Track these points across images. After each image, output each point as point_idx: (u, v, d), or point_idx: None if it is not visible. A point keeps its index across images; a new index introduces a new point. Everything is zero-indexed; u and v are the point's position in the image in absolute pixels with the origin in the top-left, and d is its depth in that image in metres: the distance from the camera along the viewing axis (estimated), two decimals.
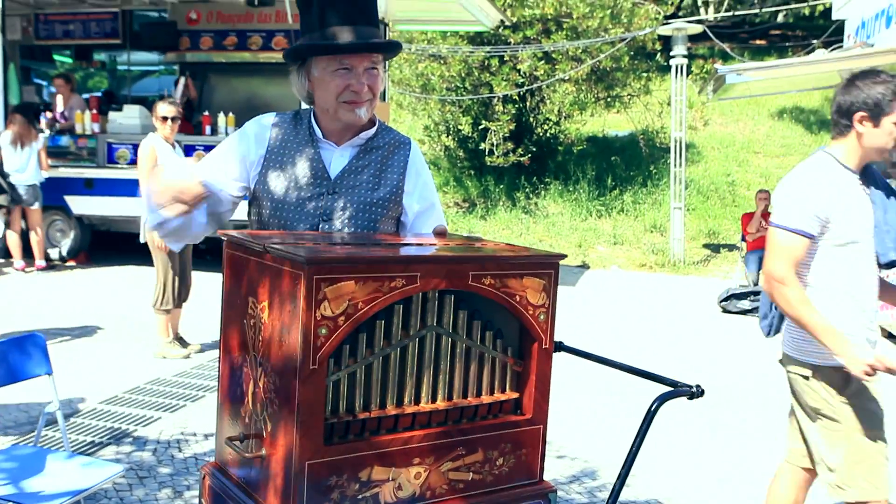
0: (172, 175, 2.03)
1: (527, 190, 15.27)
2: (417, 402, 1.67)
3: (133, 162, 9.39)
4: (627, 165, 16.15)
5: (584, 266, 12.21)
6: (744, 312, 9.05)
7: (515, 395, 1.81)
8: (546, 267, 1.79)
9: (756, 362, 6.95)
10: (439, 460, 1.69)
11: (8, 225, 9.08)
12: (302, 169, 2.06)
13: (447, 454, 1.69)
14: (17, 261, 9.11)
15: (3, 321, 6.47)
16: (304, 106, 2.17)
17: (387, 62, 12.08)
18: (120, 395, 5.00)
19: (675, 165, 12.48)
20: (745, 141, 17.60)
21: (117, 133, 9.73)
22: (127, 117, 9.77)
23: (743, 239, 10.59)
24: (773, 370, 6.65)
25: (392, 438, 1.63)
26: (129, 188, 8.95)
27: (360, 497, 1.60)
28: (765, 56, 20.34)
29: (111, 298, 7.82)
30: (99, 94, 11.88)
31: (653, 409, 1.98)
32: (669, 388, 2.05)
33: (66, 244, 9.83)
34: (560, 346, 2.39)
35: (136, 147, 9.32)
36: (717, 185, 15.59)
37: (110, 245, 10.21)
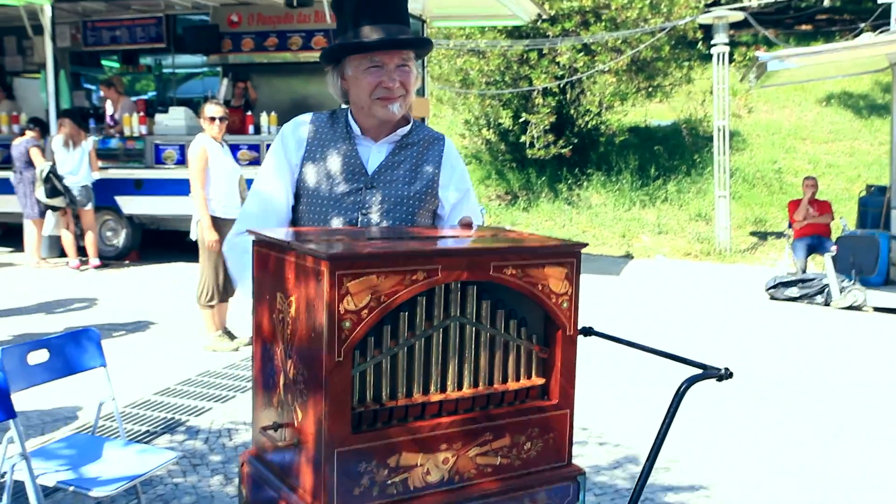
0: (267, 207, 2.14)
1: (569, 181, 15.24)
2: (444, 390, 1.71)
3: (180, 162, 9.63)
4: (671, 155, 16.01)
5: (629, 256, 12.16)
6: (792, 300, 8.96)
7: (542, 381, 1.84)
8: (568, 256, 1.81)
9: (804, 350, 6.88)
10: (467, 445, 1.72)
11: (65, 226, 9.37)
12: (340, 165, 2.12)
13: (475, 440, 1.73)
14: (73, 260, 9.39)
15: (61, 318, 6.70)
16: (343, 106, 2.23)
17: (424, 59, 12.15)
18: (172, 386, 5.16)
19: (719, 154, 12.36)
20: (791, 127, 17.31)
21: (164, 134, 9.97)
22: (173, 119, 10.01)
23: (790, 226, 10.46)
24: (821, 357, 6.60)
25: (419, 425, 1.67)
26: (176, 187, 9.17)
27: (389, 482, 1.64)
28: (811, 41, 19.95)
29: (163, 295, 8.03)
30: (146, 97, 12.18)
31: (681, 390, 1.99)
32: (699, 371, 2.08)
33: (117, 243, 10.10)
34: (590, 332, 2.44)
35: (182, 148, 9.59)
36: (764, 173, 15.38)
37: (160, 243, 10.45)
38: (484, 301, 1.73)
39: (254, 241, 1.85)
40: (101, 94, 11.43)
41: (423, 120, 11.19)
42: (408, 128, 2.18)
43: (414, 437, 1.66)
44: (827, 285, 8.79)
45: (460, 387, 1.73)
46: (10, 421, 2.54)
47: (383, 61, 2.06)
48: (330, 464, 1.58)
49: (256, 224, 2.09)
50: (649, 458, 2.01)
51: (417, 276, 1.61)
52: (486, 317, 1.74)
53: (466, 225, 2.07)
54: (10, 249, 9.91)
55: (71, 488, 2.69)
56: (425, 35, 12.24)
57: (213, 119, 6.08)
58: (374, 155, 2.15)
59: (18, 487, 2.79)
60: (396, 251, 1.66)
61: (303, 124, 2.19)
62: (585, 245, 1.88)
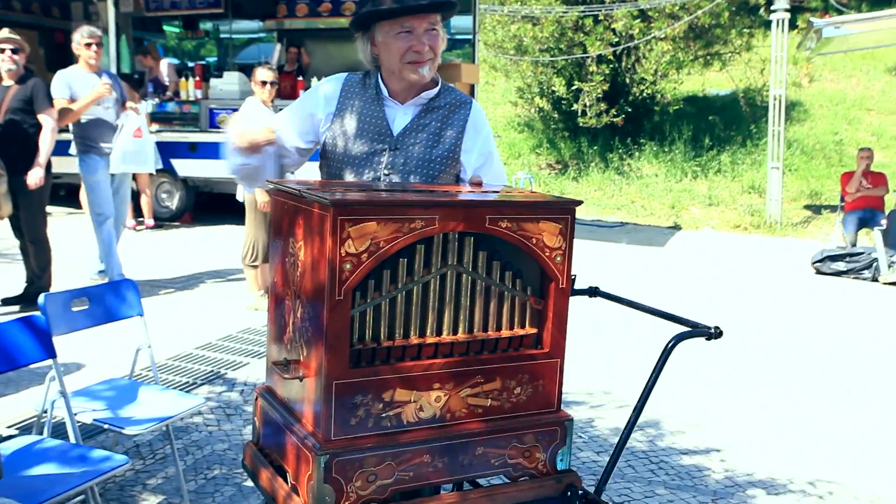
0: (248, 123, 2.27)
1: (620, 151, 15.13)
2: (440, 333, 1.83)
3: None
4: (727, 125, 15.74)
5: (676, 227, 12.09)
6: (838, 274, 8.84)
7: (534, 331, 1.94)
8: (562, 212, 1.90)
9: (844, 324, 6.84)
10: (458, 386, 1.85)
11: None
12: (367, 125, 2.22)
13: (466, 381, 1.85)
14: (129, 220, 9.72)
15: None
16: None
17: (477, 25, 12.15)
18: (214, 342, 5.38)
19: (774, 124, 12.15)
20: (857, 97, 16.82)
21: (218, 98, 10.21)
22: (227, 83, 10.23)
23: (842, 199, 10.27)
24: (860, 331, 6.55)
25: (413, 364, 1.80)
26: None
27: (383, 416, 1.78)
28: (885, 6, 19.28)
29: (212, 255, 8.29)
30: (203, 62, 12.45)
31: (669, 346, 2.11)
32: (688, 329, 2.17)
33: (171, 205, 10.44)
34: (595, 292, 2.54)
35: (235, 112, 9.84)
36: (824, 144, 15.03)
37: (213, 206, 10.76)
38: (481, 252, 1.84)
39: (270, 190, 1.99)
40: (141, 64, 11.70)
41: (472, 86, 11.22)
42: (435, 91, 2.27)
43: (408, 376, 1.79)
44: (875, 259, 8.65)
45: (455, 332, 1.85)
46: (51, 361, 2.73)
47: (413, 26, 2.15)
48: (328, 395, 1.72)
49: (245, 123, 2.31)
50: (634, 411, 2.13)
51: (415, 225, 1.73)
52: (483, 267, 1.85)
53: (476, 183, 2.19)
54: (72, 210, 10.29)
55: (106, 426, 2.88)
56: (478, 1, 12.25)
57: (263, 83, 6.24)
58: (399, 117, 2.24)
59: (60, 427, 3.01)
60: (396, 200, 1.79)
61: (336, 82, 2.29)
62: (580, 203, 1.96)
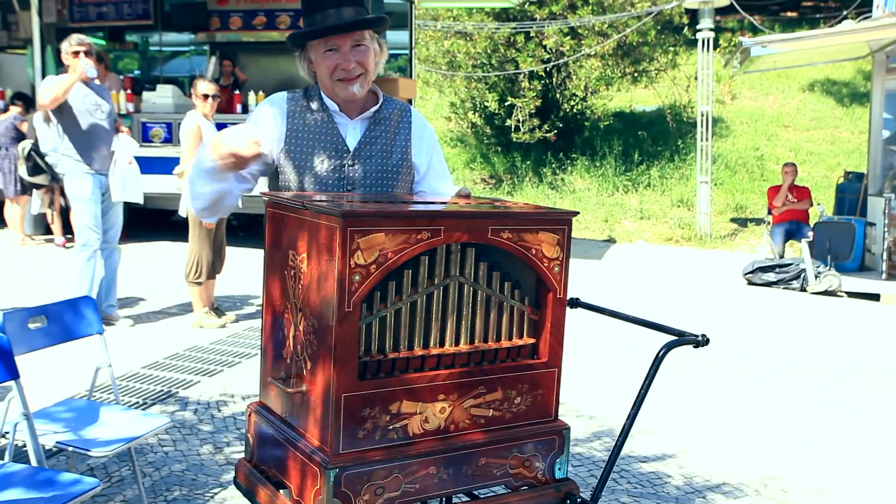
0: (230, 136, 2.12)
1: (553, 166, 15.37)
2: (442, 344, 1.84)
3: (167, 140, 9.65)
4: (655, 140, 16.17)
5: (611, 240, 12.33)
6: (768, 284, 9.15)
7: (532, 341, 1.96)
8: (560, 223, 1.93)
9: (777, 331, 7.08)
10: (462, 397, 1.85)
11: (50, 203, 9.36)
12: (322, 142, 2.22)
13: (469, 392, 1.86)
14: (59, 237, 9.41)
15: (49, 294, 6.74)
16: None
17: (412, 40, 12.20)
18: (161, 360, 5.25)
19: (702, 140, 12.53)
20: (774, 114, 17.51)
21: (151, 112, 9.98)
22: (161, 97, 10.01)
23: (769, 212, 10.66)
24: (793, 338, 6.80)
25: (419, 376, 1.80)
26: (163, 166, 9.17)
27: (390, 427, 1.77)
28: (796, 28, 20.13)
29: (149, 272, 8.10)
30: (132, 74, 12.15)
31: (660, 355, 2.14)
32: (676, 337, 2.22)
33: None
34: (576, 303, 2.57)
35: (169, 125, 9.62)
36: (746, 160, 15.59)
37: (145, 221, 10.49)
38: (481, 263, 1.86)
39: (267, 202, 1.96)
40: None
41: (410, 101, 11.25)
42: (378, 104, 2.30)
43: (414, 388, 1.79)
44: (803, 270, 8.99)
45: (457, 342, 1.86)
46: (13, 382, 2.62)
47: (337, 44, 2.17)
48: (337, 408, 1.70)
49: (228, 136, 2.10)
50: (628, 419, 2.15)
51: (422, 236, 1.73)
52: (483, 278, 1.86)
53: (465, 196, 2.20)
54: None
55: (70, 448, 2.78)
56: (413, 17, 12.31)
57: (206, 96, 6.12)
58: (350, 132, 2.25)
59: (19, 450, 2.88)
60: (404, 211, 1.80)
61: (280, 102, 2.26)
62: (577, 213, 2.01)
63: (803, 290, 8.96)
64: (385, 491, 1.76)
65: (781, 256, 9.98)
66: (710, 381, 5.47)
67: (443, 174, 2.40)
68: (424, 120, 2.41)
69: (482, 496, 2.01)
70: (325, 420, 1.73)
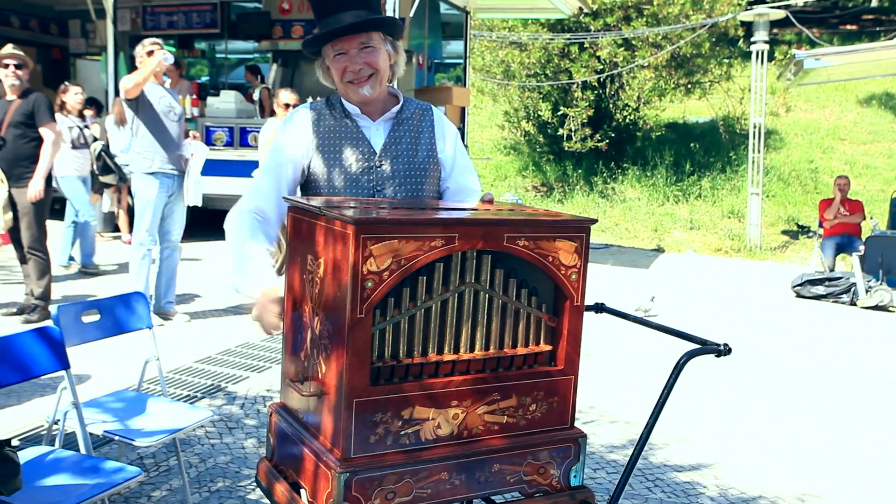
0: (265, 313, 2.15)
1: (604, 175, 15.31)
2: (457, 350, 1.84)
3: (229, 144, 9.95)
4: (707, 151, 16.00)
5: (659, 250, 12.23)
6: (817, 298, 8.97)
7: (549, 348, 1.96)
8: (578, 231, 1.93)
9: (824, 345, 6.95)
10: (476, 403, 1.86)
11: (118, 202, 9.67)
12: (349, 147, 2.26)
13: (483, 398, 1.86)
14: (125, 235, 9.68)
15: (115, 290, 6.96)
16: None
17: (467, 49, 12.27)
18: (213, 356, 5.38)
19: (754, 151, 12.37)
20: (830, 127, 17.19)
21: (215, 117, 10.25)
22: (224, 102, 10.30)
23: (820, 225, 10.46)
24: (841, 353, 6.67)
25: (432, 382, 1.81)
26: (225, 168, 9.43)
27: (402, 433, 1.78)
28: (855, 41, 19.74)
29: (208, 270, 8.29)
30: (200, 80, 12.52)
31: (681, 363, 2.12)
32: (698, 346, 2.21)
33: None
34: (602, 308, 2.57)
35: (231, 130, 9.93)
36: (799, 172, 15.33)
37: (208, 222, 10.73)
38: (498, 270, 1.86)
39: (289, 207, 2.00)
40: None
41: (463, 109, 11.34)
42: (399, 105, 2.32)
43: (427, 393, 1.80)
44: (853, 284, 8.80)
45: (472, 349, 1.86)
46: (64, 372, 2.73)
47: (344, 47, 2.20)
48: (349, 412, 1.72)
49: (266, 201, 2.25)
50: (646, 427, 2.15)
51: (436, 243, 1.75)
52: (500, 285, 1.87)
53: (488, 202, 2.23)
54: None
55: (117, 438, 2.88)
56: (469, 27, 12.39)
57: (287, 105, 6.30)
58: (374, 134, 2.28)
59: (68, 437, 2.99)
60: (417, 218, 1.80)
61: (303, 116, 2.30)
62: (595, 221, 1.99)
63: (853, 304, 8.77)
64: (396, 496, 1.78)
65: (832, 270, 9.79)
66: (753, 393, 5.40)
67: (468, 168, 2.42)
68: (445, 118, 2.43)
69: (498, 503, 2.03)
70: (337, 423, 1.75)
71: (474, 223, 1.86)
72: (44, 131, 5.67)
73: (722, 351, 2.16)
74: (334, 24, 2.18)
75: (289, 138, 2.29)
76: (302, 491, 1.90)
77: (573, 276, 1.94)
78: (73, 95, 7.95)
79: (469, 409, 1.86)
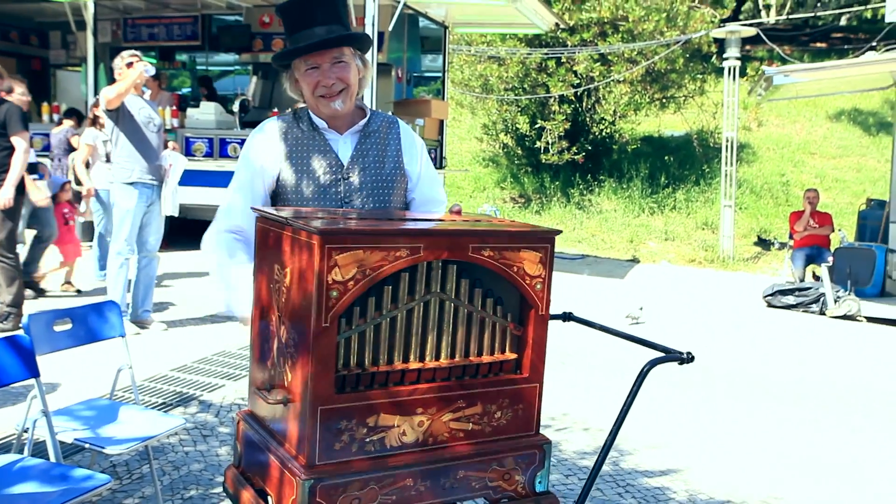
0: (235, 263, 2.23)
1: (581, 187, 15.45)
2: (423, 359, 1.86)
3: (209, 154, 9.97)
4: (681, 164, 16.20)
5: (635, 260, 12.36)
6: (788, 307, 9.11)
7: (514, 357, 1.98)
8: (542, 241, 1.95)
9: (794, 353, 7.07)
10: (441, 411, 1.88)
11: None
12: (317, 159, 2.28)
13: (448, 406, 1.88)
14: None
15: (90, 298, 6.93)
16: (301, 104, 2.39)
17: (445, 64, 12.35)
18: (189, 364, 5.39)
19: (727, 164, 12.56)
20: (801, 142, 17.46)
21: (194, 128, 10.25)
22: (203, 113, 10.30)
23: (790, 236, 10.63)
24: (810, 361, 6.77)
25: (398, 390, 1.82)
26: (204, 178, 9.43)
27: (367, 440, 1.80)
28: (825, 58, 20.04)
29: (187, 280, 8.30)
30: (180, 92, 12.53)
31: (644, 371, 2.15)
32: (662, 354, 2.25)
33: None
34: (570, 317, 2.61)
35: (210, 141, 9.95)
36: (771, 185, 15.56)
37: (187, 231, 10.69)
38: (463, 280, 1.88)
39: (257, 217, 2.01)
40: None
41: (441, 122, 11.40)
42: (366, 118, 2.35)
43: (392, 401, 1.82)
44: (823, 294, 8.95)
45: (438, 357, 1.88)
46: (34, 380, 2.72)
47: (317, 62, 2.23)
48: (314, 420, 1.73)
49: (242, 218, 2.25)
50: (610, 434, 2.18)
51: (401, 253, 1.76)
52: (465, 294, 1.89)
53: (456, 212, 2.27)
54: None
55: (87, 445, 2.87)
56: (447, 41, 12.48)
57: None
58: (342, 147, 2.31)
59: (39, 446, 3.00)
60: (382, 229, 1.83)
61: (269, 130, 2.32)
62: (559, 232, 2.02)
63: (822, 313, 8.92)
64: (361, 502, 1.79)
65: (802, 280, 9.94)
66: (723, 401, 5.47)
67: (434, 180, 2.46)
68: (411, 130, 2.47)
69: None
70: (302, 431, 1.76)
71: (439, 234, 1.89)
72: (15, 140, 5.66)
73: (685, 359, 2.19)
74: (307, 39, 2.20)
75: (257, 151, 2.31)
76: (269, 498, 1.91)
77: (538, 286, 1.96)
78: None
79: (434, 417, 1.88)
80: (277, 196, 2.33)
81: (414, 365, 1.86)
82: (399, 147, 2.38)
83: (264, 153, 2.30)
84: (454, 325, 1.90)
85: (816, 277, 9.88)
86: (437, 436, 1.90)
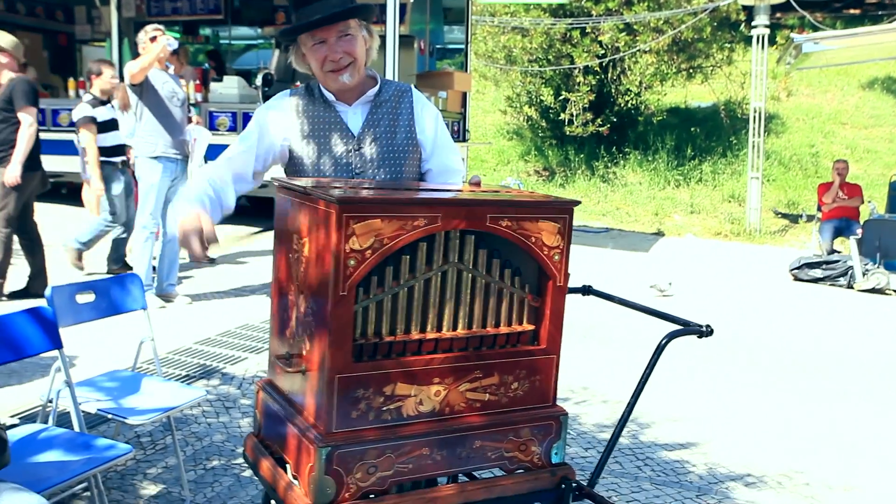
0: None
1: (605, 159, 15.31)
2: (440, 329, 1.87)
3: (232, 129, 9.99)
4: (708, 136, 15.98)
5: (659, 233, 12.26)
6: (815, 281, 9.00)
7: (532, 328, 1.98)
8: (561, 212, 1.95)
9: (820, 327, 6.99)
10: (458, 381, 1.89)
11: None
12: (328, 132, 2.29)
13: (465, 376, 1.89)
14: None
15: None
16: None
17: (468, 35, 12.26)
18: (213, 337, 5.43)
19: (754, 136, 12.37)
20: (832, 112, 17.13)
21: (218, 102, 10.27)
22: (227, 88, 10.30)
23: (819, 208, 10.47)
24: (836, 335, 6.70)
25: (414, 359, 1.83)
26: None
27: (384, 409, 1.81)
28: (858, 25, 19.63)
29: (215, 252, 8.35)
30: (204, 66, 12.54)
31: (662, 343, 2.16)
32: (680, 327, 2.24)
33: None
34: (588, 290, 2.60)
35: (234, 115, 9.97)
36: (800, 156, 15.31)
37: None
38: (481, 250, 1.88)
39: (277, 185, 2.02)
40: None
41: (464, 94, 11.34)
42: (377, 88, 2.34)
43: (409, 370, 1.83)
44: (851, 267, 8.82)
45: (455, 327, 1.89)
46: (57, 351, 2.76)
47: (323, 36, 2.22)
48: (331, 388, 1.75)
49: (228, 166, 2.26)
50: (627, 406, 2.18)
51: (418, 223, 1.77)
52: (483, 264, 1.89)
53: (475, 184, 2.25)
54: (74, 207, 10.24)
55: (110, 416, 2.92)
56: (470, 13, 12.37)
57: None
58: (352, 118, 2.31)
59: (64, 417, 3.03)
60: (400, 198, 1.83)
61: (285, 100, 2.33)
62: (577, 203, 2.00)
63: (850, 287, 8.80)
64: (377, 470, 1.81)
65: (830, 253, 9.80)
66: (746, 375, 5.43)
67: (450, 148, 2.43)
68: (425, 98, 2.44)
69: (480, 478, 2.06)
70: (319, 399, 1.78)
71: (457, 203, 1.88)
72: (21, 115, 5.66)
73: (703, 332, 2.19)
74: (313, 13, 2.19)
75: (270, 119, 2.32)
76: (287, 466, 1.93)
77: (556, 257, 1.96)
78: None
79: (451, 387, 1.89)
80: (290, 169, 2.34)
81: (431, 335, 1.87)
82: (412, 116, 2.36)
83: (275, 124, 2.31)
84: (472, 295, 1.90)
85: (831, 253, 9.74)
86: (454, 406, 1.91)
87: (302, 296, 1.87)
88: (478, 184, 2.23)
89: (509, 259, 1.93)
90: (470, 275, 1.89)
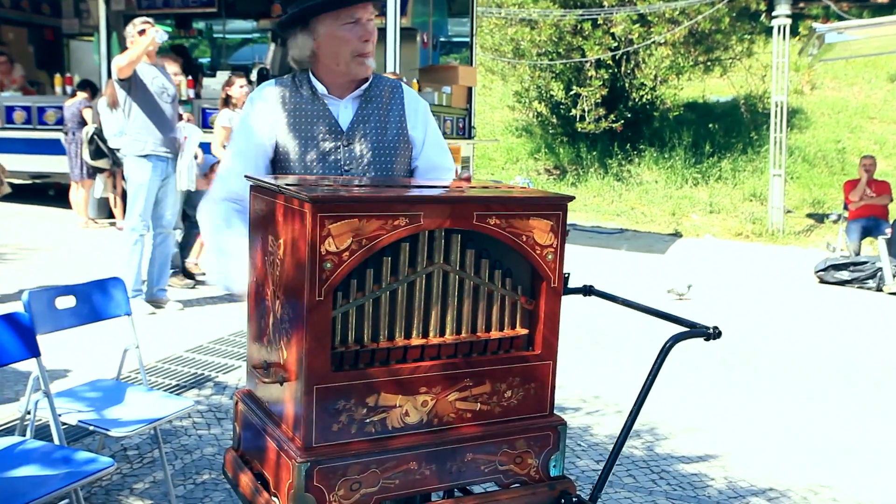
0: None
1: (619, 157, 15.10)
2: (426, 335, 1.76)
3: None
4: (727, 132, 15.73)
5: (677, 234, 12.05)
6: (842, 283, 8.76)
7: (525, 332, 1.87)
8: (553, 208, 1.83)
9: (847, 333, 6.77)
10: (446, 390, 1.77)
11: (112, 187, 9.60)
12: (316, 126, 2.18)
13: (454, 384, 1.78)
14: (120, 221, 9.64)
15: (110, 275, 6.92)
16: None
17: (474, 28, 12.12)
18: (205, 344, 5.33)
19: (776, 131, 12.13)
20: (859, 105, 16.81)
21: (211, 98, 10.14)
22: (220, 83, 10.17)
23: (845, 207, 10.22)
24: (864, 341, 6.48)
25: (400, 367, 1.72)
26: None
27: (367, 421, 1.70)
28: (886, 14, 19.27)
29: (204, 257, 8.26)
30: (198, 61, 12.46)
31: (666, 346, 2.02)
32: (686, 329, 2.09)
33: None
34: (590, 290, 2.47)
35: None
36: (826, 153, 15.02)
37: None
38: (469, 250, 1.77)
39: (251, 185, 1.92)
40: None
41: (469, 90, 11.17)
42: (368, 83, 2.23)
43: (394, 379, 1.72)
44: (880, 269, 8.58)
45: (442, 333, 1.78)
46: (35, 360, 2.66)
47: (360, 16, 2.10)
48: (309, 399, 1.64)
49: (239, 184, 2.12)
50: (630, 415, 2.04)
51: (399, 222, 1.66)
52: (471, 265, 1.78)
53: (465, 179, 2.14)
54: (61, 209, 10.19)
55: (91, 427, 2.82)
56: (476, 4, 12.24)
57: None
58: (342, 112, 2.20)
59: (45, 430, 2.93)
60: (379, 196, 1.71)
61: (266, 95, 2.21)
62: (572, 198, 1.89)
63: (879, 289, 8.56)
64: (362, 486, 1.70)
65: (857, 254, 9.56)
66: (768, 383, 5.26)
67: (440, 146, 2.34)
68: (416, 94, 2.35)
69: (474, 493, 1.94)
70: (298, 411, 1.67)
71: (441, 201, 1.77)
72: None
73: (711, 334, 2.06)
74: None
75: (256, 117, 2.22)
76: (268, 482, 1.82)
77: (549, 257, 1.84)
78: (238, 88, 7.29)
79: (439, 396, 1.78)
80: (277, 164, 2.24)
81: (417, 341, 1.76)
82: (402, 112, 2.26)
83: (262, 119, 2.21)
84: (460, 298, 1.79)
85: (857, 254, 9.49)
86: (443, 416, 1.79)
87: (278, 300, 1.77)
88: (468, 179, 2.13)
89: (499, 259, 1.82)
90: (457, 277, 1.77)
